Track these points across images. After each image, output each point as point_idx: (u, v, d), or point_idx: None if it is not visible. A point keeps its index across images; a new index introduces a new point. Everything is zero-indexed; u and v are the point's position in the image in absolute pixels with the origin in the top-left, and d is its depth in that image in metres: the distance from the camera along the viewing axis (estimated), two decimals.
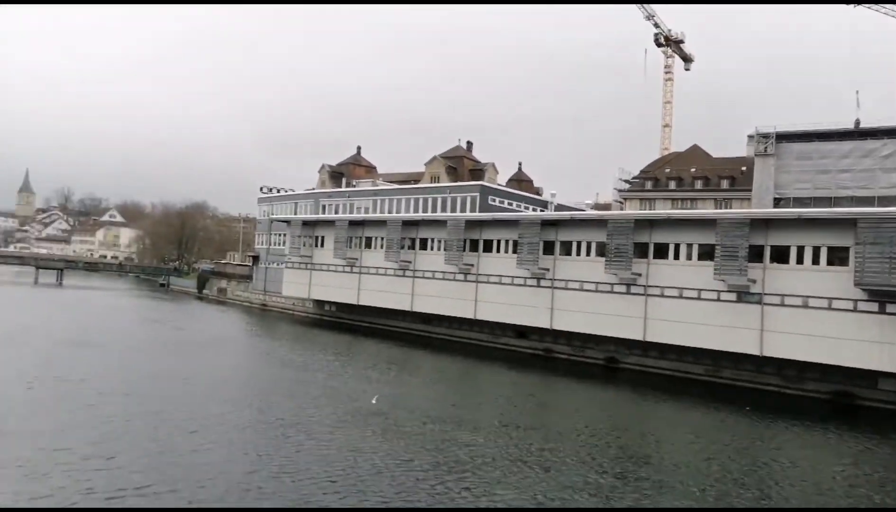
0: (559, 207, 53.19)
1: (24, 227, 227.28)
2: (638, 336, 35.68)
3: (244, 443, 17.34)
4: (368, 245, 51.85)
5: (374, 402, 23.68)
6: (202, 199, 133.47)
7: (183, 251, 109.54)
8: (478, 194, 50.73)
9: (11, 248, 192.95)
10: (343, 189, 64.21)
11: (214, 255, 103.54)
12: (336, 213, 59.91)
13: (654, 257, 35.74)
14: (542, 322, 40.04)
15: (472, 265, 44.15)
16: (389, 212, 55.01)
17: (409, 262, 48.27)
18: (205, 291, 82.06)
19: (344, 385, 26.90)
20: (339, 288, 53.80)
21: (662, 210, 52.40)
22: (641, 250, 36.10)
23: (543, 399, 28.50)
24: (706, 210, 49.22)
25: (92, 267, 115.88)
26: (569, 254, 39.59)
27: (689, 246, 34.54)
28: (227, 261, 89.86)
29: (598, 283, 37.59)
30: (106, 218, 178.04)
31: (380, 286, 50.24)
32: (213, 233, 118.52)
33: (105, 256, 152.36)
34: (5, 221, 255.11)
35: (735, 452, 20.30)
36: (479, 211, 48.62)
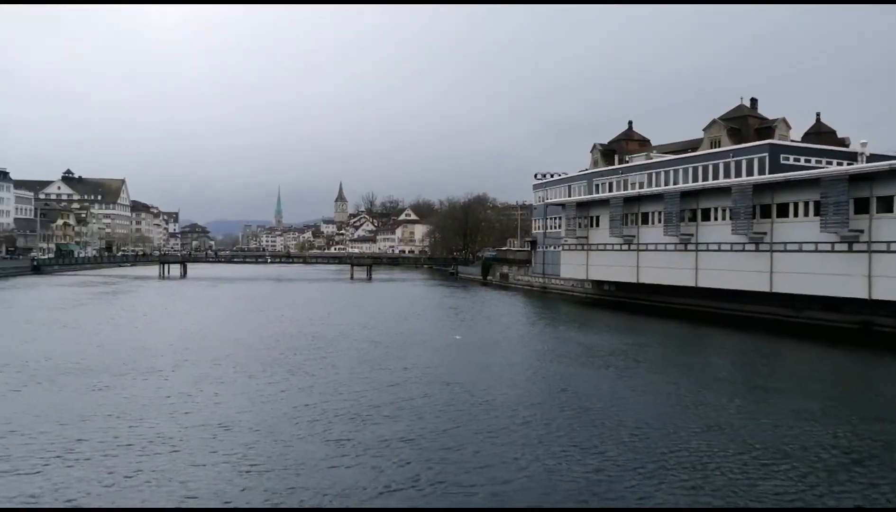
0: (873, 158, 45.23)
1: (341, 232, 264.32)
2: None
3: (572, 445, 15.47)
4: (645, 221, 49.91)
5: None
6: (482, 192, 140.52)
7: (467, 241, 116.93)
8: (766, 154, 45.42)
9: (332, 250, 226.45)
10: (616, 166, 62.54)
11: (496, 243, 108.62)
12: (610, 191, 58.67)
13: None
14: (857, 292, 34.40)
15: (765, 233, 39.67)
16: (666, 184, 52.08)
17: (691, 235, 45.17)
18: (489, 277, 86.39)
19: (650, 373, 25.25)
20: (616, 267, 52.56)
21: None
22: None
23: (885, 383, 24.22)
24: None
25: (393, 261, 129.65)
26: (889, 210, 33.42)
27: None
28: (508, 247, 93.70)
29: None
30: (402, 217, 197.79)
31: (659, 262, 47.91)
32: (493, 222, 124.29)
33: (404, 251, 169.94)
34: (327, 227, 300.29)
35: None
36: (770, 173, 43.49)
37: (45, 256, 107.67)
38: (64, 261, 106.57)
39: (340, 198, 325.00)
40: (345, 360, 26.75)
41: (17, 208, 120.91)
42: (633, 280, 50.66)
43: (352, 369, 24.63)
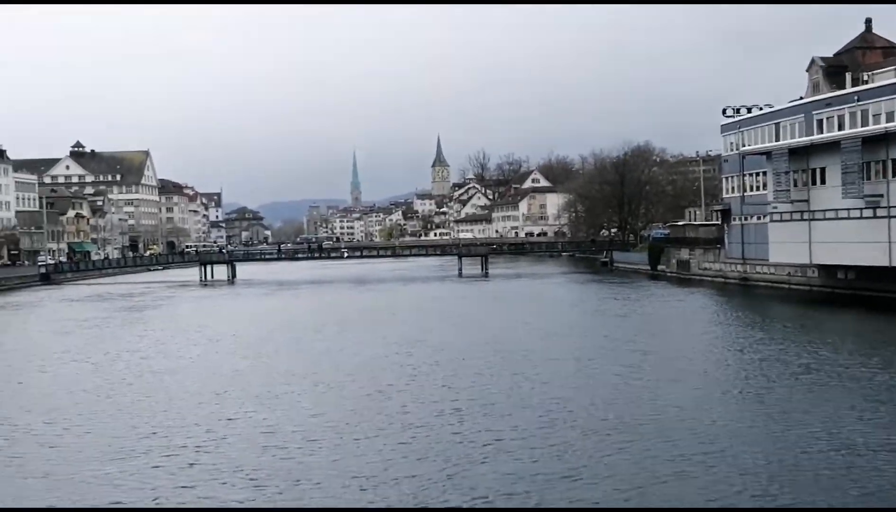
0: None
1: (442, 210, 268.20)
2: None
3: None
4: None
5: None
6: (643, 141, 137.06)
7: (625, 214, 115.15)
8: None
9: (432, 236, 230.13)
10: (848, 91, 59.71)
11: (666, 215, 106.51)
12: (839, 129, 56.00)
13: None
14: None
15: None
16: None
17: None
18: (659, 267, 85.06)
19: None
20: (856, 244, 50.71)
21: None
22: None
23: None
24: None
25: (518, 249, 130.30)
26: None
27: None
28: (686, 221, 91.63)
29: None
30: (528, 185, 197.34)
31: None
32: (661, 184, 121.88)
33: (531, 233, 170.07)
34: (423, 204, 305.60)
35: None
36: None
37: (56, 261, 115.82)
38: (79, 266, 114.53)
39: (439, 161, 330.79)
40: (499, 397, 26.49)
41: (18, 197, 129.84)
42: (885, 263, 48.68)
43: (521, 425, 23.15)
